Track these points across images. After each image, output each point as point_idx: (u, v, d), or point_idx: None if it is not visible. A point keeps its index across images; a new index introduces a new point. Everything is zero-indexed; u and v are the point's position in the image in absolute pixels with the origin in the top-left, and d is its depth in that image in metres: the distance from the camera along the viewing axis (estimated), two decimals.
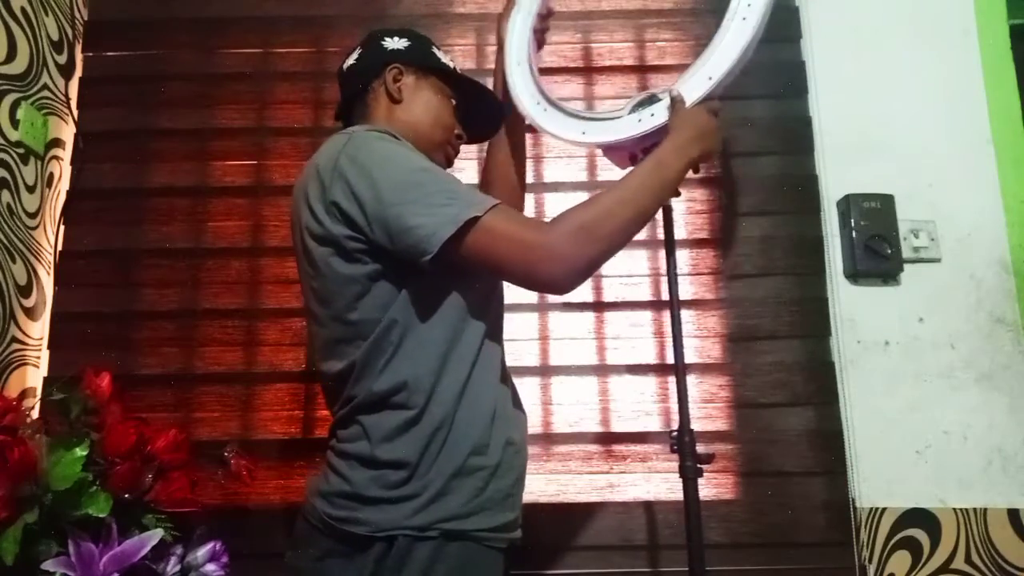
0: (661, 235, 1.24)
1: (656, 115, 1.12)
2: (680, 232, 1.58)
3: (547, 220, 0.94)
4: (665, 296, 1.13)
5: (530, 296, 1.55)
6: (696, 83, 1.10)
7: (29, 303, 1.49)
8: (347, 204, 0.92)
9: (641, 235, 1.54)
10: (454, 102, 1.15)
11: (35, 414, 1.30)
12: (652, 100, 1.16)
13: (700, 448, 1.09)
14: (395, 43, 1.14)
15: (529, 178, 1.62)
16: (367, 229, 0.91)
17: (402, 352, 0.94)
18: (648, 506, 1.45)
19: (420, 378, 0.93)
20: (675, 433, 1.10)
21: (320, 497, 0.95)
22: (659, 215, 1.18)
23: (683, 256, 1.57)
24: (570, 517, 1.45)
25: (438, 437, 0.92)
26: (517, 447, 0.99)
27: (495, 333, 1.03)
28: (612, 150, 1.22)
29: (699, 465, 1.07)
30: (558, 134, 1.21)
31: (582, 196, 1.59)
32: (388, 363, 0.94)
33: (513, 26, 1.28)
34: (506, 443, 0.96)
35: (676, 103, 1.06)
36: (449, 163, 1.17)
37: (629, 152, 1.21)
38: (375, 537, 0.89)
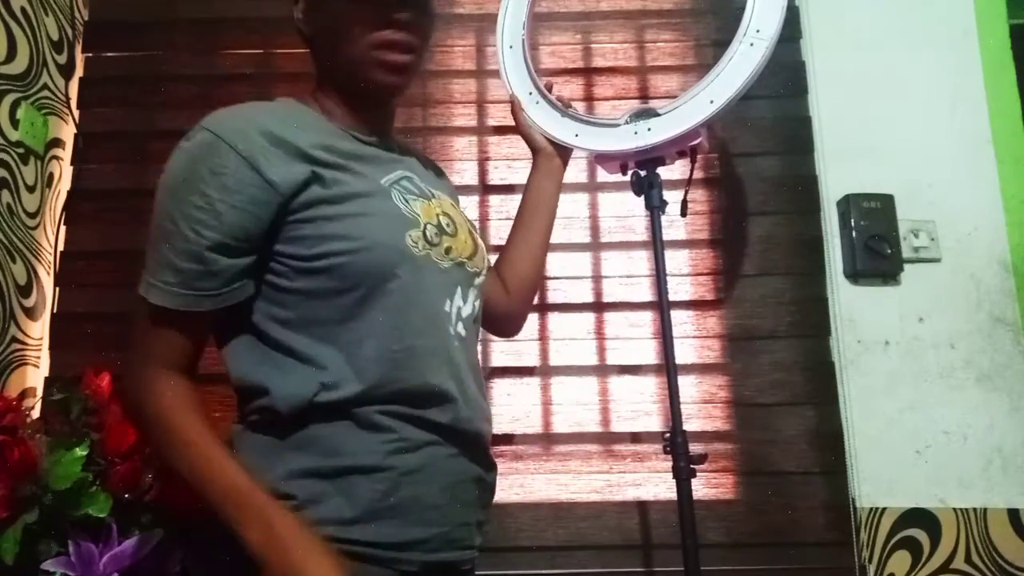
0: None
1: (653, 130, 1.11)
2: (680, 232, 1.58)
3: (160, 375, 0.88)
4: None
5: None
6: (696, 107, 1.09)
7: (29, 303, 1.49)
8: None
9: (641, 237, 1.57)
10: None
11: (35, 414, 1.31)
12: (650, 113, 1.14)
13: (698, 448, 1.09)
14: None
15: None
16: None
17: None
18: (647, 506, 1.45)
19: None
20: (668, 434, 1.10)
21: None
22: (647, 217, 1.19)
23: (683, 256, 1.57)
24: (570, 517, 1.45)
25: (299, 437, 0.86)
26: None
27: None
28: (604, 157, 1.21)
29: (692, 466, 1.07)
30: (549, 132, 1.18)
31: (582, 196, 1.63)
32: None
33: (507, 5, 1.26)
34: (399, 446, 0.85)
35: None
36: (395, 72, 0.89)
37: (621, 161, 1.19)
38: None
